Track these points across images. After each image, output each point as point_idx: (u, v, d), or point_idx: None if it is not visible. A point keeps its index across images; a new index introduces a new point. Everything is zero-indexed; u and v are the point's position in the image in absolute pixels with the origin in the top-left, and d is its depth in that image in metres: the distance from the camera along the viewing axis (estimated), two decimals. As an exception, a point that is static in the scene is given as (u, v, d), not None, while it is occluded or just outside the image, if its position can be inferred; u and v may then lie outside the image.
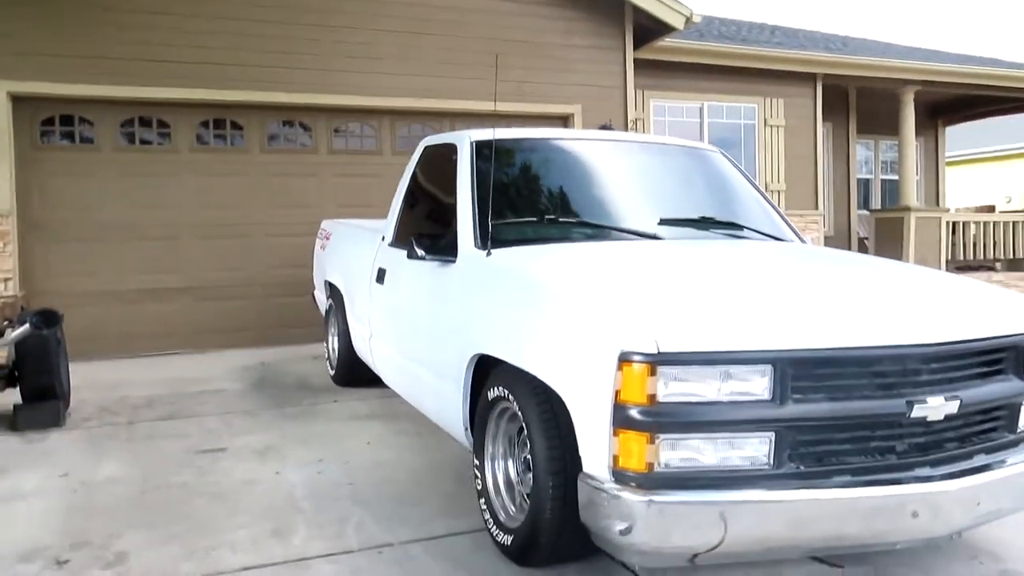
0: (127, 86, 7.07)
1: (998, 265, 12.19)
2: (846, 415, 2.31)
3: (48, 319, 4.41)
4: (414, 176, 4.45)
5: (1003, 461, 2.51)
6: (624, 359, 2.23)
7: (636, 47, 8.97)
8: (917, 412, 2.33)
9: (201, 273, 7.50)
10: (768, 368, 2.24)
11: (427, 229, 3.82)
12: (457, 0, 8.16)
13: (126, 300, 7.25)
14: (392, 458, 4.12)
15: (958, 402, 2.40)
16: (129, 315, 7.24)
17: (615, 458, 2.27)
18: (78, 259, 7.10)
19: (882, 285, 2.96)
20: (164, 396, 5.59)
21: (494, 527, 2.92)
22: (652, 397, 2.21)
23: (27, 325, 4.35)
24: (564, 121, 8.61)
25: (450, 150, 3.98)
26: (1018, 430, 2.64)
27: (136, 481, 3.80)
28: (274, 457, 4.15)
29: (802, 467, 2.29)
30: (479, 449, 3.06)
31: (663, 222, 3.61)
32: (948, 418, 2.40)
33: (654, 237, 3.48)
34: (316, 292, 6.60)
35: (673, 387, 2.23)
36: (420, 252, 3.53)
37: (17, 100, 6.85)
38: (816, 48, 11.06)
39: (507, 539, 2.81)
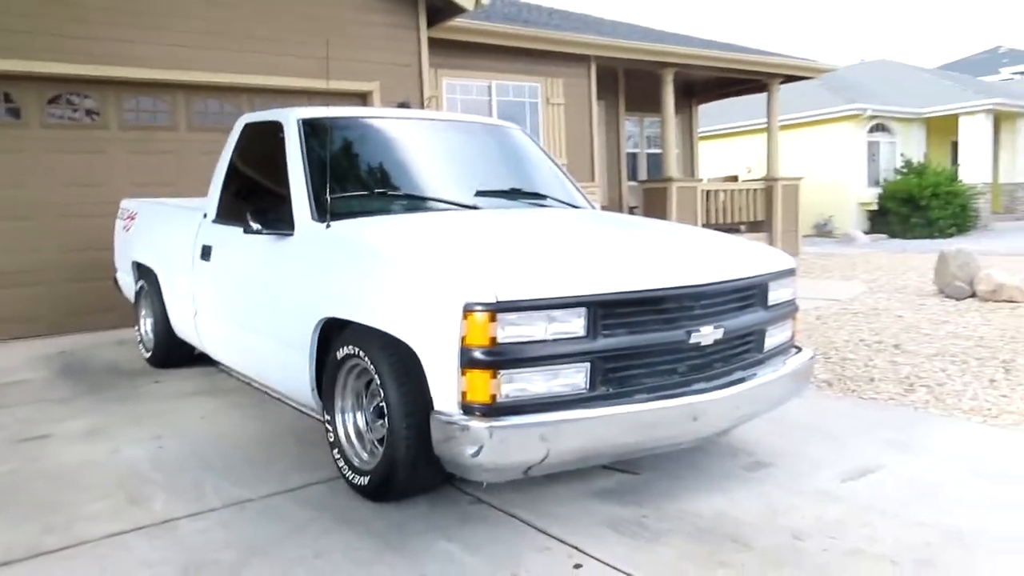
0: None
1: (742, 228, 14.01)
2: (643, 345, 2.91)
3: None
4: (235, 153, 4.57)
5: (755, 375, 3.26)
6: (468, 309, 2.66)
7: (429, 26, 9.32)
8: (694, 339, 2.98)
9: (-22, 259, 6.95)
10: (583, 310, 2.77)
11: (253, 205, 3.96)
12: (248, -27, 8.06)
13: None
14: (231, 429, 4.27)
15: (723, 330, 3.09)
16: None
17: (463, 394, 2.70)
18: None
19: (662, 241, 3.63)
20: (-44, 391, 5.25)
21: (349, 472, 3.25)
22: (493, 339, 2.66)
23: None
24: (363, 98, 8.82)
25: (275, 127, 4.16)
26: (764, 350, 3.41)
27: (-42, 473, 3.69)
28: (105, 438, 4.15)
29: (611, 389, 2.86)
30: (329, 406, 3.37)
31: (479, 193, 4.08)
32: (716, 343, 3.08)
33: (474, 207, 3.94)
34: (119, 274, 6.41)
35: (509, 330, 2.69)
36: (256, 227, 3.72)
37: None
38: (589, 31, 12.01)
39: (363, 480, 3.16)
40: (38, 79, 7.12)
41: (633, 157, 14.93)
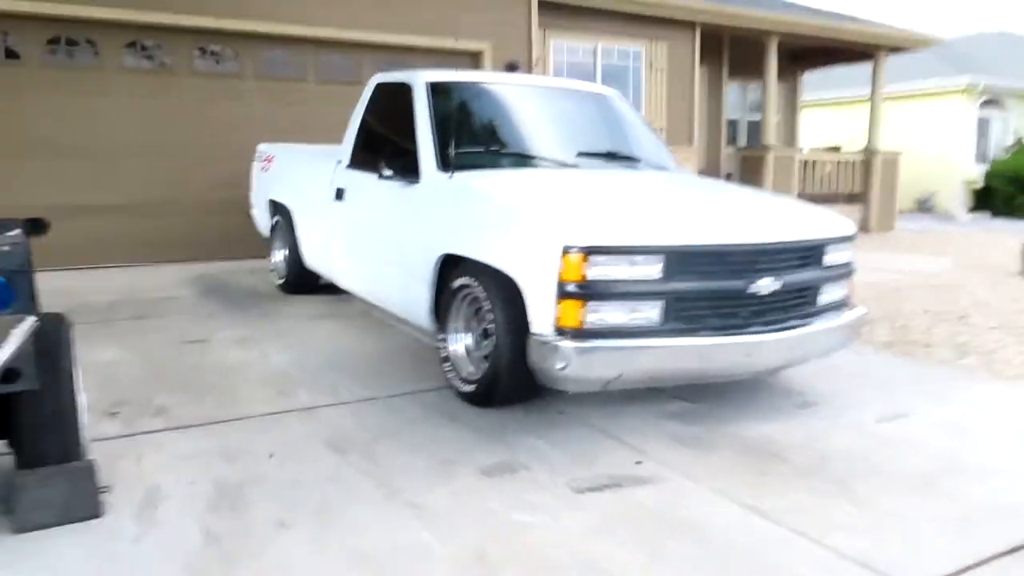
0: (49, 2, 7.30)
1: (839, 199, 14.03)
2: (708, 290, 3.46)
3: (37, 225, 3.36)
4: (368, 109, 5.26)
5: (807, 324, 3.76)
6: (565, 250, 3.26)
7: (539, -12, 9.81)
8: (752, 289, 3.51)
9: (135, 191, 7.97)
10: (661, 258, 3.34)
11: (385, 155, 4.62)
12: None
13: (61, 215, 7.60)
14: (355, 346, 5.04)
15: (781, 283, 3.60)
16: (65, 230, 7.60)
17: (557, 319, 3.32)
18: (7, 175, 7.41)
19: (736, 203, 4.14)
20: (124, 301, 6.22)
21: (458, 381, 3.94)
22: (584, 276, 3.26)
23: (19, 232, 3.16)
24: (475, 57, 9.43)
25: (405, 88, 4.81)
26: (818, 304, 3.89)
27: (141, 363, 4.56)
28: (254, 346, 4.98)
29: (680, 325, 3.43)
30: (444, 327, 4.05)
31: (580, 154, 4.66)
32: (773, 294, 3.59)
33: (575, 166, 4.52)
34: (255, 211, 7.28)
35: (598, 270, 3.28)
36: (388, 174, 4.41)
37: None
38: (695, -3, 12.19)
39: (470, 388, 3.84)
40: (187, 31, 8.01)
41: (734, 123, 15.07)
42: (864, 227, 13.96)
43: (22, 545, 2.51)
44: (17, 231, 3.31)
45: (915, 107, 20.52)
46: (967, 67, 20.66)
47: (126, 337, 5.11)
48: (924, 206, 20.45)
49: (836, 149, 17.25)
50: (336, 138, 5.73)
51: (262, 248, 7.24)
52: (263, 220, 7.02)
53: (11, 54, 7.44)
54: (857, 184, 14.14)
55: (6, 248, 3.24)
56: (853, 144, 20.00)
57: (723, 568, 2.47)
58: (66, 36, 7.61)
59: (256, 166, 7.22)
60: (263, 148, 7.20)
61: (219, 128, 8.30)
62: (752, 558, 2.52)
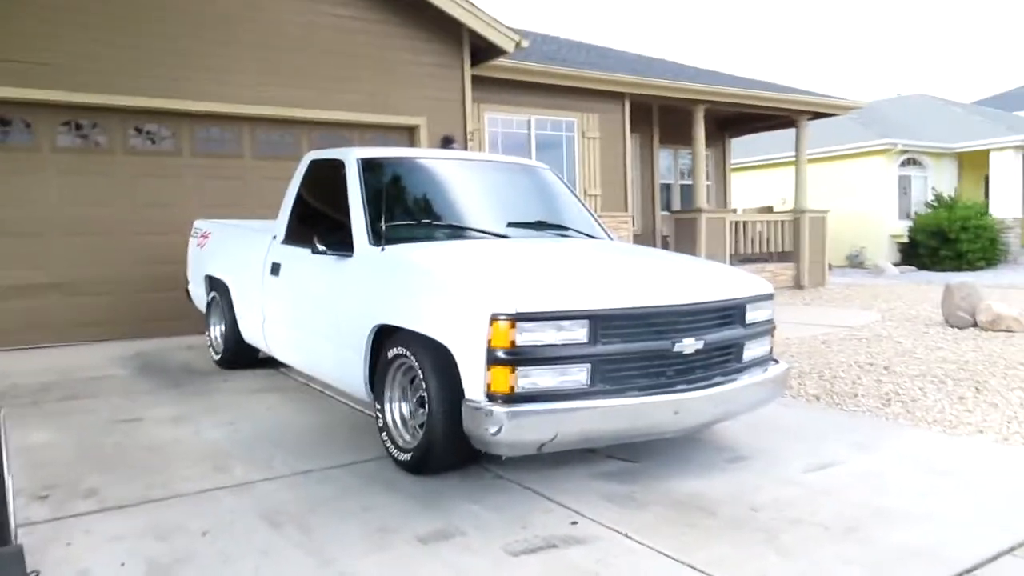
0: (-11, 86, 7.33)
1: (771, 257, 14.54)
2: (634, 351, 3.59)
3: None
4: (302, 185, 5.36)
5: (732, 380, 3.91)
6: (494, 318, 3.36)
7: (473, 65, 10.16)
8: (677, 348, 3.65)
9: (68, 269, 7.88)
10: (586, 322, 3.46)
11: (319, 230, 4.72)
12: (310, 18, 8.95)
13: (-8, 296, 7.50)
14: (293, 418, 5.02)
15: (703, 342, 3.75)
16: (-4, 311, 7.50)
17: (488, 385, 3.40)
18: (-60, 257, 7.28)
19: (658, 267, 4.32)
20: (57, 382, 6.10)
21: (395, 450, 3.96)
22: (512, 343, 3.36)
23: None
24: (411, 132, 9.66)
25: (337, 164, 4.94)
26: (743, 360, 4.05)
27: (72, 444, 4.47)
28: (188, 422, 4.93)
29: (607, 386, 3.54)
30: (379, 397, 4.09)
31: (510, 224, 4.82)
32: (697, 352, 3.74)
33: (504, 236, 4.67)
34: (191, 287, 7.25)
35: (525, 336, 3.38)
36: (322, 248, 4.49)
37: None
38: (624, 69, 12.76)
39: (406, 457, 3.87)
40: (122, 111, 8.07)
41: (668, 188, 15.59)
42: (797, 283, 14.46)
43: (-62, 640, 2.43)
44: None
45: (841, 167, 21.54)
46: (887, 129, 21.87)
47: (57, 419, 5.01)
48: (855, 261, 21.28)
49: (768, 209, 17.93)
50: (272, 213, 5.80)
51: (199, 324, 7.20)
52: (200, 296, 7.00)
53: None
54: (788, 243, 14.69)
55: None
56: (784, 204, 20.85)
57: (652, 623, 2.52)
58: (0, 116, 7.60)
59: (192, 242, 7.22)
60: (199, 224, 7.22)
61: (155, 205, 8.30)
62: (680, 612, 2.59)
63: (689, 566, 2.89)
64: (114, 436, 4.63)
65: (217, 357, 6.61)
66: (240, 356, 6.32)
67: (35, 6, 7.48)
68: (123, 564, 2.93)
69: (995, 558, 2.95)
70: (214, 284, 6.61)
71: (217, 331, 6.60)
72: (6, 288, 7.56)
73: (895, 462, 4.10)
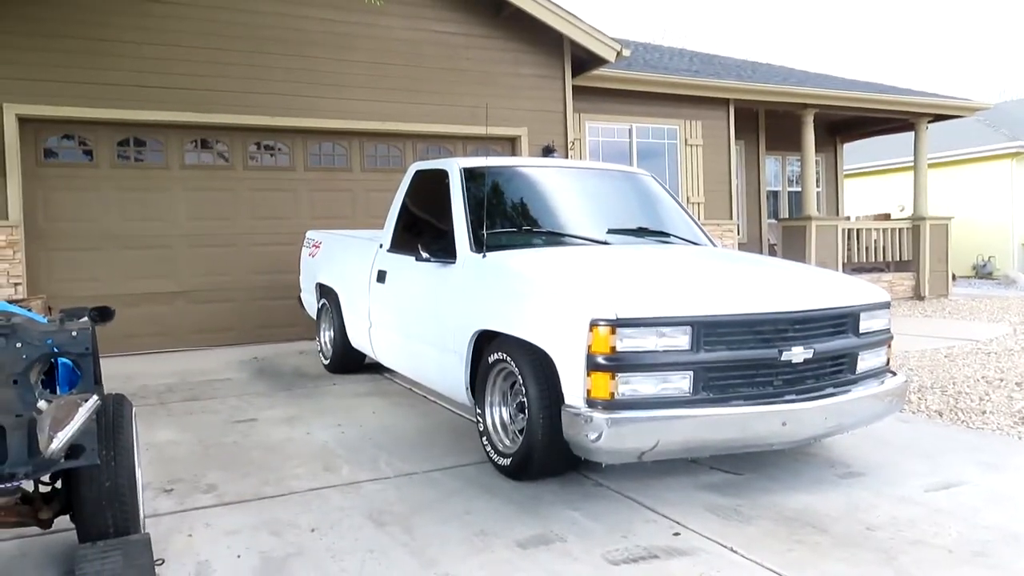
0: (122, 109, 7.86)
1: (888, 267, 13.85)
2: (739, 360, 3.49)
3: (103, 314, 3.83)
4: (407, 195, 5.50)
5: (845, 391, 3.75)
6: (594, 323, 3.35)
7: (574, 76, 10.17)
8: (785, 356, 3.53)
9: (192, 279, 8.35)
10: (688, 328, 3.40)
11: (423, 238, 4.84)
12: (415, 35, 9.20)
13: (124, 303, 8.01)
14: (397, 422, 5.14)
15: (813, 351, 3.61)
16: (127, 317, 8.00)
17: (588, 391, 3.38)
18: (79, 266, 7.86)
19: (765, 274, 4.19)
20: (179, 384, 6.46)
21: (495, 455, 3.99)
22: (613, 348, 3.33)
23: (86, 319, 3.52)
24: (512, 142, 9.76)
25: (441, 174, 5.04)
26: (857, 371, 3.88)
27: (194, 442, 4.73)
28: (300, 424, 5.13)
29: (711, 394, 3.45)
30: (480, 401, 4.13)
31: (610, 231, 4.79)
32: (806, 361, 3.61)
33: (604, 243, 4.64)
34: (303, 295, 7.55)
35: (626, 342, 3.35)
36: (426, 255, 4.59)
37: (23, 121, 7.58)
38: (728, 76, 12.49)
39: (506, 462, 3.89)
40: (243, 129, 8.51)
41: (775, 195, 15.12)
42: (916, 294, 13.72)
43: (77, 617, 2.62)
44: (84, 319, 3.55)
45: (965, 172, 20.33)
46: (1017, 131, 20.47)
47: (180, 418, 5.30)
48: (982, 271, 19.99)
49: (886, 216, 17.09)
50: (379, 223, 5.97)
51: (310, 330, 7.48)
52: (311, 303, 7.27)
53: (84, 156, 7.98)
54: (906, 252, 13.94)
55: (74, 334, 3.51)
56: (902, 211, 19.84)
57: (757, 639, 2.44)
58: (135, 137, 8.15)
59: (305, 252, 7.52)
60: (311, 235, 7.51)
61: (271, 217, 8.70)
62: (788, 629, 2.49)
63: (798, 583, 2.78)
64: (232, 435, 4.87)
65: (326, 362, 6.84)
66: (348, 361, 6.52)
67: (168, 32, 7.99)
68: (239, 556, 3.08)
69: None
70: (324, 291, 6.85)
71: (326, 337, 6.84)
72: (138, 296, 8.07)
73: (1027, 483, 3.82)
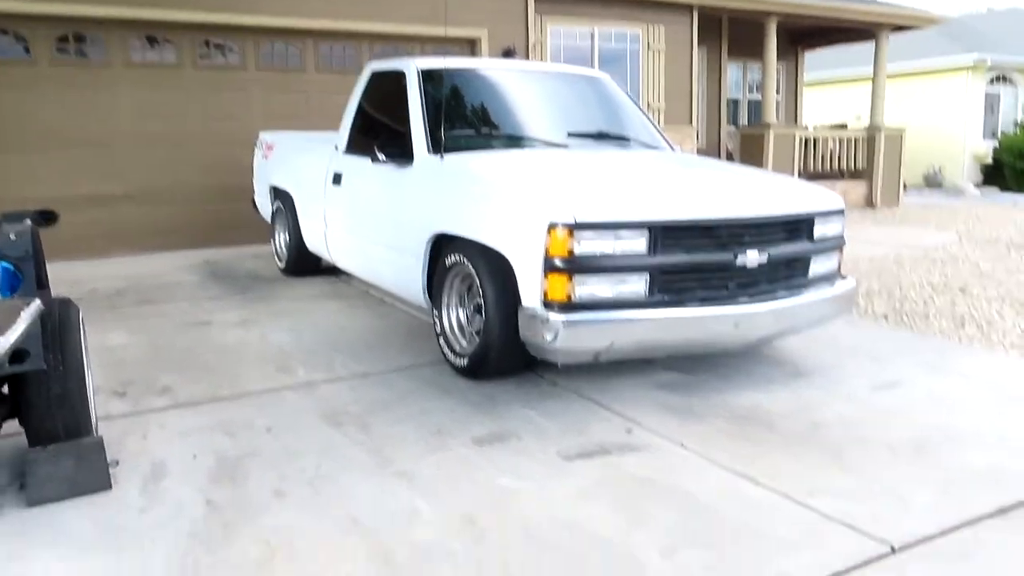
0: (61, 3, 7.38)
1: (842, 175, 13.98)
2: (694, 263, 3.51)
3: (46, 216, 3.87)
4: (363, 96, 5.32)
5: (796, 295, 3.81)
6: (552, 227, 3.32)
7: (535, -26, 9.81)
8: (740, 261, 3.56)
9: (141, 181, 8.06)
10: (645, 232, 3.40)
11: (379, 140, 4.69)
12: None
13: (70, 206, 7.71)
14: (352, 323, 5.12)
15: (767, 255, 3.65)
16: (74, 220, 7.71)
17: (545, 293, 3.39)
18: (20, 168, 7.52)
19: (722, 179, 4.19)
20: (130, 288, 6.32)
21: (451, 355, 4.01)
22: (570, 251, 3.32)
23: (27, 222, 3.55)
24: (472, 44, 9.45)
25: (398, 75, 4.87)
26: (809, 276, 3.94)
27: (146, 345, 4.66)
28: (254, 326, 5.07)
29: (666, 297, 3.49)
30: (437, 303, 4.13)
31: (570, 135, 4.72)
32: (760, 266, 3.65)
33: (564, 146, 4.57)
34: (257, 197, 7.36)
35: (584, 245, 3.34)
36: (382, 157, 4.48)
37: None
38: (693, -22, 12.14)
39: (463, 362, 3.92)
40: (190, 26, 8.08)
41: (735, 103, 15.03)
42: (869, 202, 13.94)
43: (35, 517, 2.61)
44: (26, 222, 3.56)
45: (923, 84, 20.37)
46: (975, 44, 20.46)
47: (132, 321, 5.21)
48: (932, 181, 20.33)
49: (843, 127, 17.15)
50: (334, 126, 5.79)
51: (264, 233, 7.34)
52: (265, 206, 7.11)
53: (23, 52, 7.53)
54: (861, 161, 14.07)
55: (13, 237, 3.38)
56: (860, 122, 19.91)
57: (706, 530, 2.54)
58: (75, 33, 7.70)
59: (258, 154, 7.30)
60: (264, 136, 7.28)
61: (222, 118, 8.37)
62: (736, 521, 2.59)
63: (746, 477, 2.88)
64: (185, 338, 4.81)
65: (281, 265, 6.75)
66: (303, 264, 6.44)
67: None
68: (195, 456, 3.08)
69: (1065, 478, 2.86)
70: (278, 194, 6.69)
71: (281, 240, 6.73)
72: (84, 198, 7.77)
73: (967, 384, 3.98)
